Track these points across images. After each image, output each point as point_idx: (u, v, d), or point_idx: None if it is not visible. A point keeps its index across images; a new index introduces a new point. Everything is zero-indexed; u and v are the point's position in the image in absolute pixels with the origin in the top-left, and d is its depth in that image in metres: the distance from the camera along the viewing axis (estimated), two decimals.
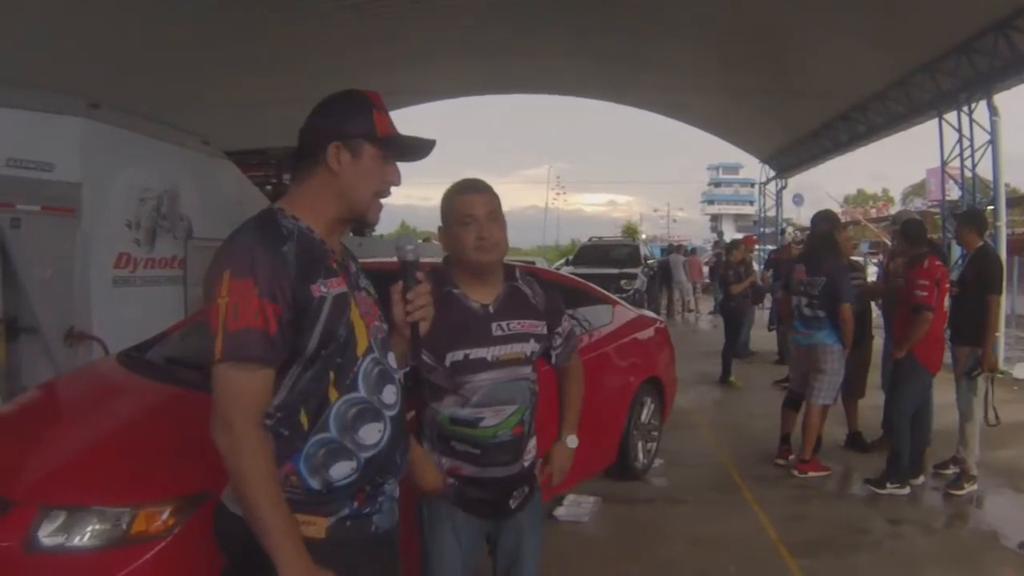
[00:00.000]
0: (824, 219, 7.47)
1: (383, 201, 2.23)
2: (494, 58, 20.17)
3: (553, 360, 2.97)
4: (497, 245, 2.69)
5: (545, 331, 2.86)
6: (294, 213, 2.03)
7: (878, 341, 8.31)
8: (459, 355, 2.67)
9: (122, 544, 2.82)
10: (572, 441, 3.02)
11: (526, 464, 2.84)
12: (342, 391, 2.00)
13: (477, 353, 2.68)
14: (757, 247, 22.75)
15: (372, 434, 2.05)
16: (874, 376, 7.98)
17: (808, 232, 9.61)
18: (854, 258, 9.59)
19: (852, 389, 7.59)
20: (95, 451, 3.32)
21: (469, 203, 2.68)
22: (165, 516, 2.87)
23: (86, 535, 2.83)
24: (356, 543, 2.03)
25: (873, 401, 7.75)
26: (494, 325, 2.72)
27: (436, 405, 2.71)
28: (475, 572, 2.87)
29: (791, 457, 7.01)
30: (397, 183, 2.17)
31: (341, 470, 1.99)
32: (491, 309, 2.74)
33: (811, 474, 6.71)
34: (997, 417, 6.43)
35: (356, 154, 2.07)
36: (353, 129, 2.08)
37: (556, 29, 17.18)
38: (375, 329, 2.12)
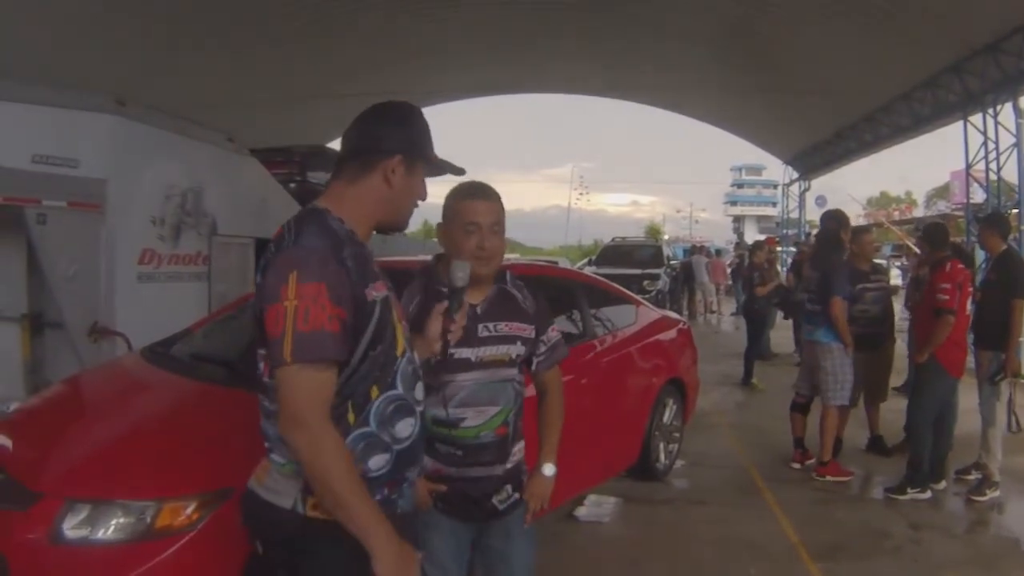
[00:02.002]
0: (831, 217, 7.50)
1: None
2: (498, 58, 20.13)
3: (533, 367, 2.91)
4: (494, 257, 2.68)
5: (533, 335, 2.83)
6: (339, 216, 2.08)
7: (900, 345, 8.24)
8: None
9: (146, 538, 2.85)
10: (549, 469, 2.89)
11: (510, 466, 2.78)
12: (383, 389, 2.07)
13: (462, 353, 2.65)
14: (779, 247, 22.66)
15: (406, 428, 2.13)
16: (897, 380, 7.93)
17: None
18: (877, 261, 9.53)
19: (873, 392, 7.56)
20: (120, 445, 3.35)
21: (475, 210, 2.65)
22: (189, 511, 2.89)
23: (110, 528, 2.86)
24: None
25: (896, 405, 7.69)
26: (480, 326, 2.70)
27: None
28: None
29: (808, 462, 6.99)
30: (425, 198, 2.26)
31: (377, 462, 2.07)
32: (478, 310, 2.72)
33: (831, 478, 6.66)
34: (1019, 424, 6.41)
35: (412, 170, 2.18)
36: (421, 147, 2.19)
37: (564, 27, 17.17)
38: (404, 327, 2.19)
